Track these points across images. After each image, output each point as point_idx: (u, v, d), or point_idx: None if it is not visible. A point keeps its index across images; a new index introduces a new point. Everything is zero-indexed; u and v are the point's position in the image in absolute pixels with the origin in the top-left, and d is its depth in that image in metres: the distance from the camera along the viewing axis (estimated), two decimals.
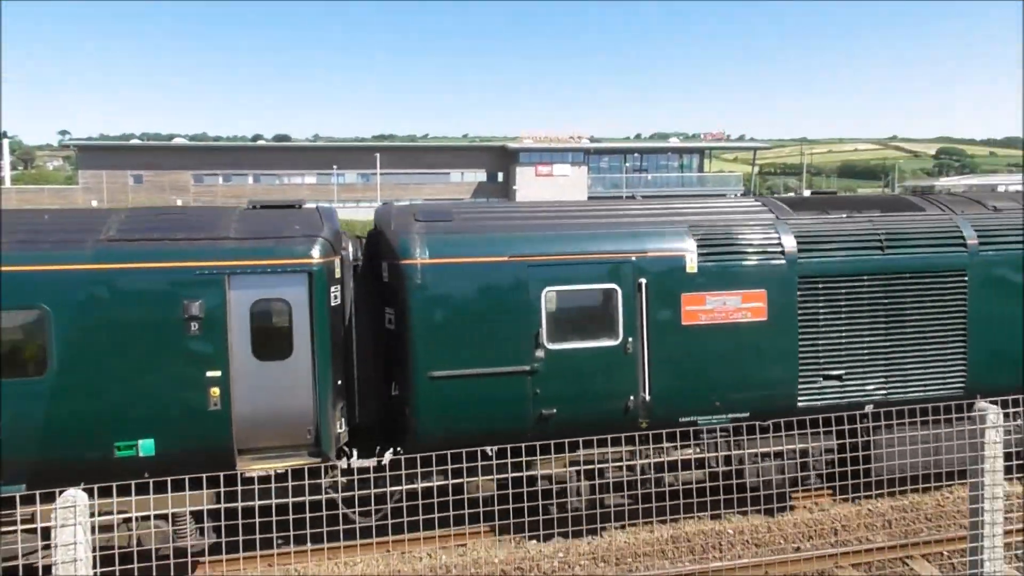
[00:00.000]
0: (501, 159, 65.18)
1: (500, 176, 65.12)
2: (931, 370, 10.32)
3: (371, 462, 9.24)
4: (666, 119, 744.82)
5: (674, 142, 77.27)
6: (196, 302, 8.16)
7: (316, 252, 8.58)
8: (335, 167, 63.10)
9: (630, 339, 9.39)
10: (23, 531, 7.60)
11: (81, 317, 8.01)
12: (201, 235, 8.57)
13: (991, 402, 4.42)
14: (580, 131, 67.87)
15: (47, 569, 5.63)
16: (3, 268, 7.78)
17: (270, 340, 8.58)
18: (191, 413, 8.24)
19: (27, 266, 7.92)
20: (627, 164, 64.06)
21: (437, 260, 8.99)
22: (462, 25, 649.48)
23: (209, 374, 8.25)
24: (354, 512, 8.59)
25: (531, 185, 60.35)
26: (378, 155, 62.56)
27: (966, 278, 10.34)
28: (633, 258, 9.48)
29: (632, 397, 9.44)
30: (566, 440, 8.30)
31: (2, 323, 7.78)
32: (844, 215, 10.58)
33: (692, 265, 9.61)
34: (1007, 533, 8.47)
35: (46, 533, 5.47)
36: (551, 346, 9.18)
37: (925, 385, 10.27)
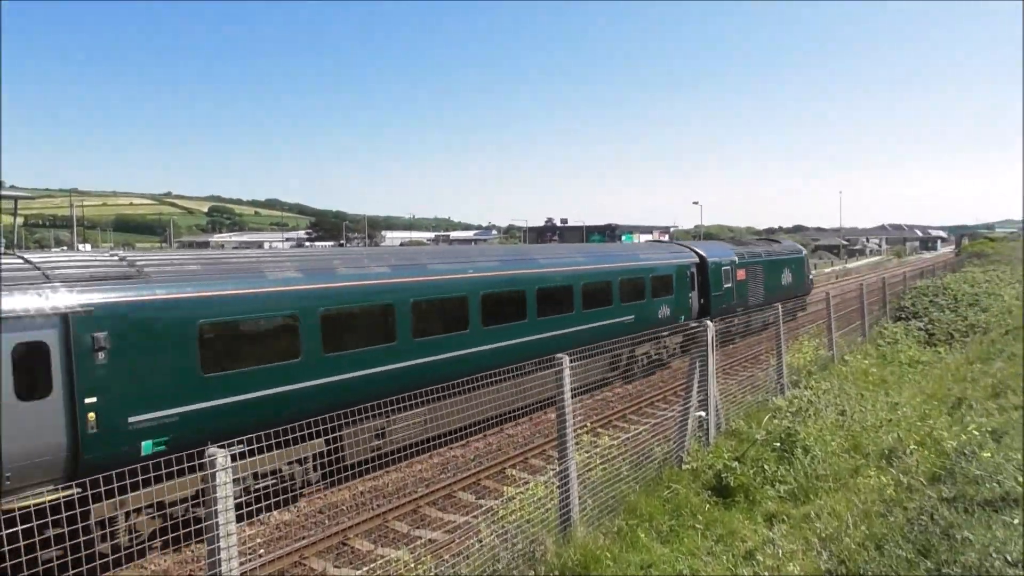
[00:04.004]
0: None
1: None
2: (783, 290, 32.52)
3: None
4: None
5: None
6: (690, 271, 25.28)
7: (689, 258, 25.72)
8: None
9: (758, 280, 30.46)
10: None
11: (681, 278, 25.12)
12: (688, 252, 26.43)
13: None
14: None
15: None
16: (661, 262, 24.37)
17: (692, 286, 25.77)
18: (690, 307, 25.35)
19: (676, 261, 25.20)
20: None
21: (713, 260, 26.97)
22: None
23: (691, 295, 25.34)
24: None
25: None
26: None
27: (762, 266, 31.03)
28: (725, 260, 27.83)
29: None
30: None
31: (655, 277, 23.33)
32: (745, 246, 31.40)
33: (736, 261, 28.41)
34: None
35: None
36: (738, 279, 28.43)
37: (783, 295, 31.26)
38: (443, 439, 14.32)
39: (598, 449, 9.89)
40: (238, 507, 10.89)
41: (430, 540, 10.24)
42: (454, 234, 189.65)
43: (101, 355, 9.72)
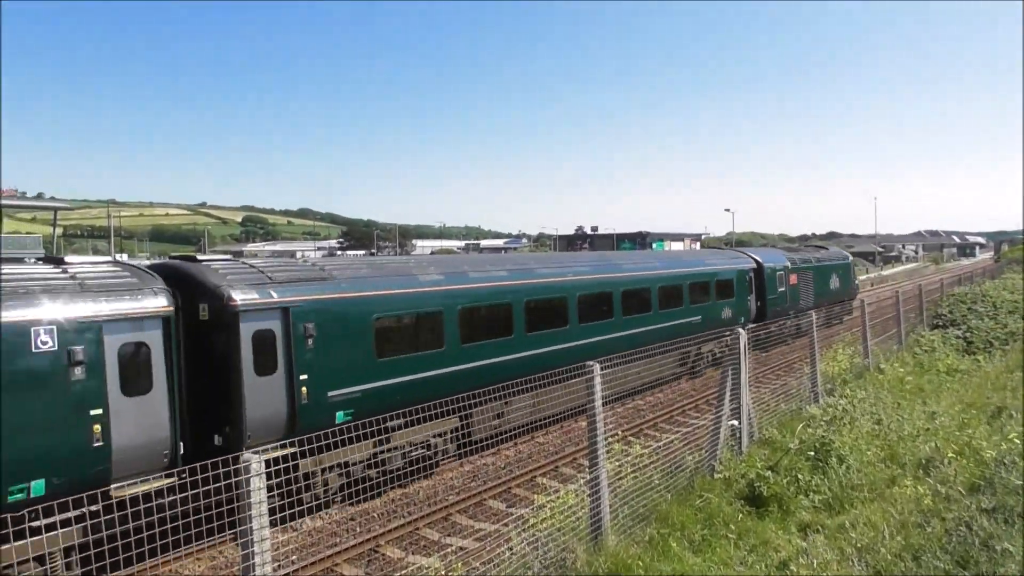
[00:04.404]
0: None
1: None
2: (831, 294, 34.19)
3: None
4: None
5: None
6: (748, 276, 27.03)
7: (747, 264, 27.75)
8: None
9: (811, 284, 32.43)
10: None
11: (741, 282, 26.79)
12: (746, 258, 28.60)
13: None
14: None
15: None
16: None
17: (750, 290, 27.44)
18: (749, 309, 27.10)
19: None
20: None
21: (768, 265, 28.63)
22: None
23: (750, 297, 27.29)
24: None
25: None
26: None
27: (812, 272, 32.57)
28: (779, 265, 29.46)
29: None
30: None
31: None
32: (796, 253, 33.89)
33: (789, 267, 29.96)
34: None
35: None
36: (790, 283, 30.02)
37: (831, 299, 33.51)
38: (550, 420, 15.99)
39: (629, 458, 9.85)
40: (399, 472, 13.01)
41: (461, 548, 10.27)
42: (484, 242, 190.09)
43: (310, 341, 11.89)
